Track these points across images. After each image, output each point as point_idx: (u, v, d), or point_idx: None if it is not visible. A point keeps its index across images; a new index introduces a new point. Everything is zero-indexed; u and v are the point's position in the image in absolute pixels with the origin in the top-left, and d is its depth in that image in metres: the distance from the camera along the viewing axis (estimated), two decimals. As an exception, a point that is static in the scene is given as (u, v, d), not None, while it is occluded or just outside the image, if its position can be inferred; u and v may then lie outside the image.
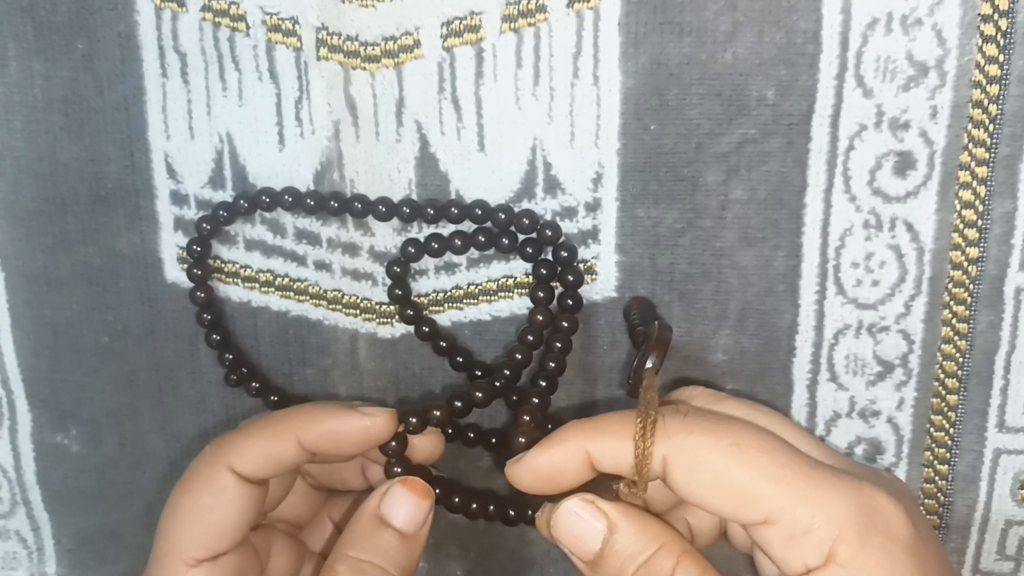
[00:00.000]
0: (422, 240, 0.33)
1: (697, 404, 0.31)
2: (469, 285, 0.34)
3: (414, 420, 0.31)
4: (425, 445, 0.32)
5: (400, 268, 0.33)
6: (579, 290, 0.33)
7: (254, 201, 0.33)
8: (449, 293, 0.34)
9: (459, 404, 0.31)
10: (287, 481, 0.33)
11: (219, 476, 0.29)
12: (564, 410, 0.35)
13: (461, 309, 0.34)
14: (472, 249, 0.33)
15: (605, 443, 0.28)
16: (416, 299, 0.34)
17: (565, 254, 0.32)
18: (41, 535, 0.39)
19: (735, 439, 0.27)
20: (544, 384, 0.32)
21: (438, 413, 0.31)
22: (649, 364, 0.30)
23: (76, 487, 0.38)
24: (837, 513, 0.26)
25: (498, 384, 0.32)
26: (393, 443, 0.31)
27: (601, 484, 0.29)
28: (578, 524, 0.28)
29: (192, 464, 0.30)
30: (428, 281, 0.34)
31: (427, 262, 0.34)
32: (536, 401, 0.32)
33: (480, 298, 0.34)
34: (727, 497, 0.27)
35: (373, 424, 0.30)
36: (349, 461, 0.33)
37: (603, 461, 0.28)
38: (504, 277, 0.34)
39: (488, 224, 0.33)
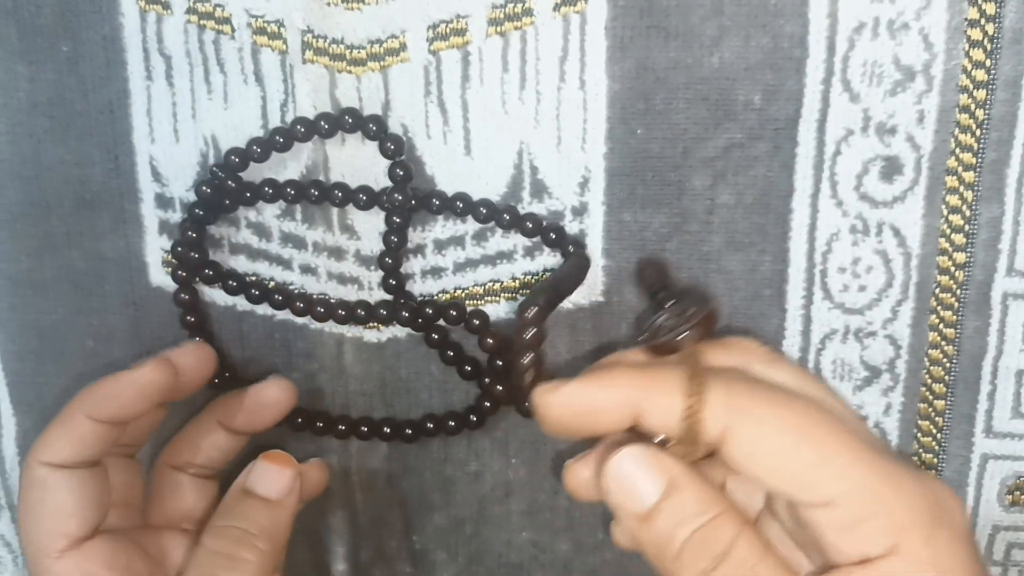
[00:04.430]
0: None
1: (754, 365, 0.30)
2: (456, 289, 0.34)
3: (534, 308, 0.28)
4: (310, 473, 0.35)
5: (391, 259, 0.33)
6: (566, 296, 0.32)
7: (234, 194, 0.33)
8: (435, 298, 0.34)
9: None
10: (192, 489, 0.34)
11: (34, 472, 0.31)
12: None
13: (448, 313, 0.34)
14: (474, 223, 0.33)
15: (660, 400, 0.27)
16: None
17: (554, 235, 0.32)
18: (25, 540, 0.39)
19: (803, 417, 0.26)
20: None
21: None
22: (688, 333, 0.29)
23: (61, 492, 0.38)
24: (907, 503, 0.25)
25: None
26: (528, 336, 0.28)
27: (631, 438, 0.28)
28: (635, 475, 0.27)
29: None
30: (415, 285, 0.34)
31: (414, 265, 0.34)
32: (536, 308, 0.29)
33: (468, 303, 0.34)
34: (790, 475, 0.26)
35: (140, 375, 0.31)
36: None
37: (652, 418, 0.27)
38: (491, 282, 0.34)
39: (470, 218, 0.33)
